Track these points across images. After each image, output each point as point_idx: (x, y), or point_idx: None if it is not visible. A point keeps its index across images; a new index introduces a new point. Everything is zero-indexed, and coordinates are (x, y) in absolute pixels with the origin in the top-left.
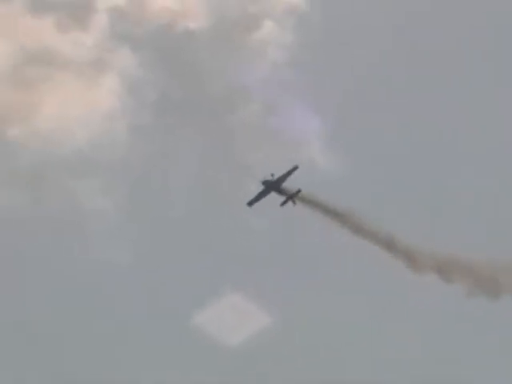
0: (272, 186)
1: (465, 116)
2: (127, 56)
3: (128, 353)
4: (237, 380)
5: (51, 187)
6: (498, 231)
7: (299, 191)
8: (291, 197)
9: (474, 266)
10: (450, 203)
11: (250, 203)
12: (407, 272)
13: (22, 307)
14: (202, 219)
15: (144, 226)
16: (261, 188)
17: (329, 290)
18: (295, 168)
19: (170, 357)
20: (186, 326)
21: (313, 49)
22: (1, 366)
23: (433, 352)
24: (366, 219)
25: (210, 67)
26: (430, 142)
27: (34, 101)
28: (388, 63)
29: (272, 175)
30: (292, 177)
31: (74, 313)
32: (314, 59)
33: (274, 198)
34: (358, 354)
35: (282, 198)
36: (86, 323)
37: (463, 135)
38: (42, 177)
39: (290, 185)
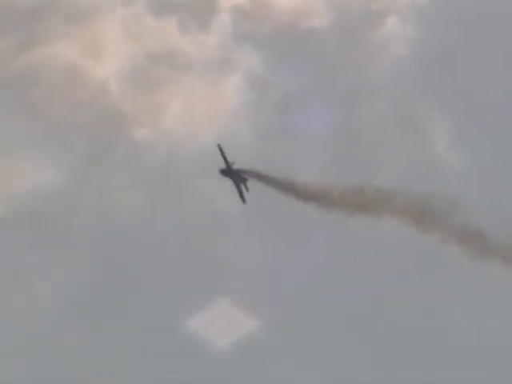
0: (228, 172)
1: None
2: (251, 55)
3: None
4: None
5: (179, 186)
6: None
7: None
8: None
9: None
10: None
11: (243, 200)
12: None
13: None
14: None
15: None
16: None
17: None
18: (219, 146)
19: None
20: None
21: (435, 43)
22: None
23: None
24: None
25: (334, 64)
26: None
27: (159, 101)
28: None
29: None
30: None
31: None
32: (436, 53)
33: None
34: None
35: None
36: None
37: None
38: (169, 176)
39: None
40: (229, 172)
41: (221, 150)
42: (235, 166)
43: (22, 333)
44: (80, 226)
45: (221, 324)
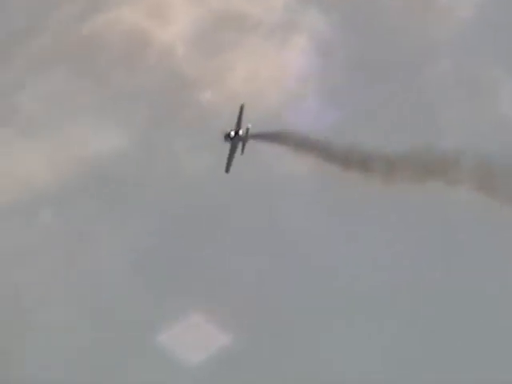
0: (233, 137)
1: None
2: (317, 17)
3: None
4: None
5: (245, 149)
6: None
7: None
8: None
9: None
10: None
11: (227, 169)
12: None
13: None
14: None
15: None
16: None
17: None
18: (242, 107)
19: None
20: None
21: (499, 6)
22: None
23: None
24: None
25: (398, 27)
26: None
27: (225, 64)
28: None
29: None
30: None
31: None
32: (501, 16)
33: None
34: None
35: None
36: None
37: None
38: None
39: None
40: (233, 137)
41: (241, 111)
42: (252, 131)
43: (88, 297)
44: (146, 190)
45: None
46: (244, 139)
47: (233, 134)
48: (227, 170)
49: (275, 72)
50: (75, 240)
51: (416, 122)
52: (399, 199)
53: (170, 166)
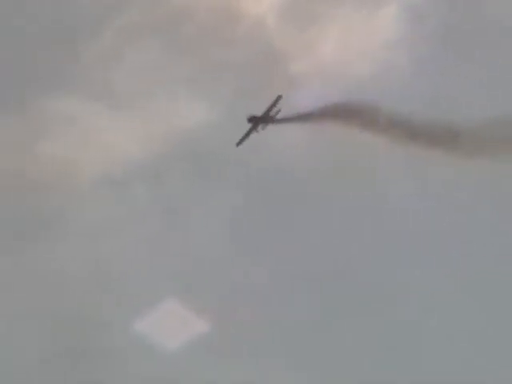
0: (257, 120)
1: None
2: None
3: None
4: None
5: None
6: None
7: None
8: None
9: None
10: None
11: (238, 143)
12: None
13: None
14: None
15: None
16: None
17: None
18: (279, 98)
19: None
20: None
21: None
22: None
23: None
24: None
25: None
26: None
27: (315, 36)
28: None
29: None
30: None
31: None
32: None
33: None
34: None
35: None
36: None
37: None
38: None
39: None
40: (258, 119)
41: (276, 101)
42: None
43: (181, 273)
44: (236, 162)
45: None
46: (266, 121)
47: (254, 117)
48: (238, 144)
49: (365, 42)
50: (167, 214)
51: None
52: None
53: (259, 138)
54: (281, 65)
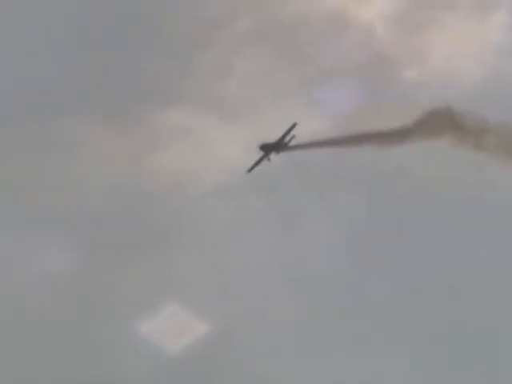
0: (270, 148)
1: None
2: None
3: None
4: None
5: None
6: None
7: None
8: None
9: None
10: None
11: (250, 170)
12: None
13: None
14: None
15: None
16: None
17: None
18: (294, 126)
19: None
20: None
21: None
22: None
23: None
24: None
25: None
26: None
27: (425, 42)
28: None
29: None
30: None
31: None
32: None
33: None
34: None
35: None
36: None
37: None
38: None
39: None
40: (271, 147)
41: (290, 128)
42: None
43: (300, 279)
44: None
45: None
46: (278, 148)
47: (269, 144)
48: (249, 170)
49: (476, 48)
50: (284, 222)
51: None
52: None
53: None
54: (392, 71)
